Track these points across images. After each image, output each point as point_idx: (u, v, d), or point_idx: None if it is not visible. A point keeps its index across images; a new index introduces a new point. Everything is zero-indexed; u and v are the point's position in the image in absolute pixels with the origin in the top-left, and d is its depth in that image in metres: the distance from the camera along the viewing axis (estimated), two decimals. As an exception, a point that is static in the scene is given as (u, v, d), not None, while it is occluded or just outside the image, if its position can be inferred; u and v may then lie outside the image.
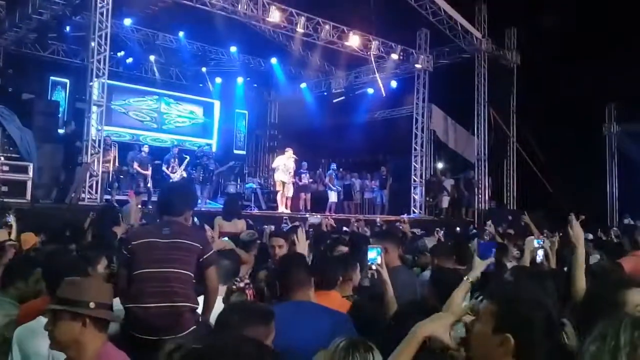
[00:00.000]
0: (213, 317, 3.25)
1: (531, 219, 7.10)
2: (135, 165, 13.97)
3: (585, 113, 18.31)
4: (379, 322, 3.01)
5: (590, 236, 9.70)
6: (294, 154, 14.90)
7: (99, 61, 12.12)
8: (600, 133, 21.41)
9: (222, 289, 3.68)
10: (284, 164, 14.72)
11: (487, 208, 17.81)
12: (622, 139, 21.24)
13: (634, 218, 15.89)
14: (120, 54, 16.55)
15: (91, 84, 12.05)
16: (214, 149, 19.49)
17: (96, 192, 11.91)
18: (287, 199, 14.85)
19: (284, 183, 14.75)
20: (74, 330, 2.25)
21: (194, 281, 3.46)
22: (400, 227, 11.26)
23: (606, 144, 21.57)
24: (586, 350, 1.56)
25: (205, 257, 3.47)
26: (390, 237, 4.42)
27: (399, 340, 2.36)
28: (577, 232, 3.14)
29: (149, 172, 14.05)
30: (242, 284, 3.71)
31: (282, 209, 14.53)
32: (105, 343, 2.35)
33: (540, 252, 4.17)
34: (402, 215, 15.16)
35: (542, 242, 4.28)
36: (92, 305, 2.29)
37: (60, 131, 14.01)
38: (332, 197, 16.53)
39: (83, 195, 11.64)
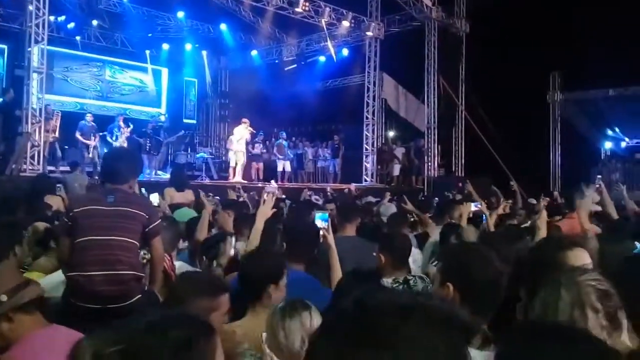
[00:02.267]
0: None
1: (478, 185, 7.33)
2: (77, 134, 13.51)
3: (531, 81, 18.80)
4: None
5: (534, 201, 10.08)
6: (250, 125, 14.78)
7: (37, 26, 11.61)
8: (545, 101, 22.05)
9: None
10: (242, 135, 14.58)
11: (436, 175, 18.16)
12: (566, 107, 21.94)
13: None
14: (61, 18, 15.80)
15: (30, 49, 11.55)
16: (162, 118, 19.01)
17: (38, 163, 11.51)
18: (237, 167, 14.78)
19: (243, 153, 14.68)
20: (1, 331, 2.03)
21: (139, 250, 3.40)
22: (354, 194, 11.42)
23: (550, 111, 22.25)
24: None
25: (151, 226, 3.38)
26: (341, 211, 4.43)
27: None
28: (543, 217, 3.23)
29: (92, 142, 13.60)
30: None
31: (238, 178, 14.40)
32: (37, 326, 2.07)
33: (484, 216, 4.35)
34: (350, 184, 15.26)
35: (479, 205, 4.47)
36: (3, 298, 2.01)
37: (-2, 99, 13.37)
38: (281, 166, 16.44)
39: (24, 166, 11.24)
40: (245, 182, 14.19)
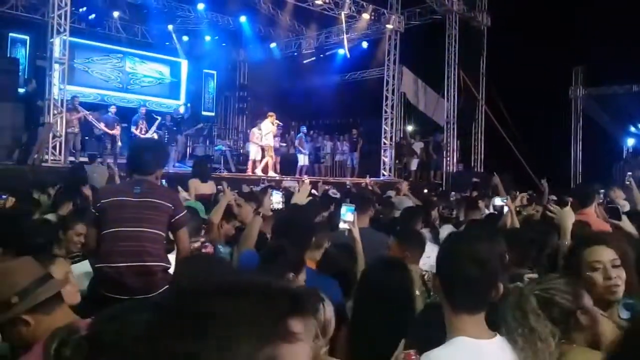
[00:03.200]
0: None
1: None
2: (102, 125, 13.68)
3: (553, 76, 18.54)
4: (348, 272, 3.06)
5: (555, 197, 9.96)
6: (276, 119, 14.82)
7: (59, 17, 11.72)
8: (567, 96, 21.75)
9: None
10: (269, 129, 14.64)
11: (455, 171, 18.02)
12: (588, 103, 21.62)
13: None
14: (83, 9, 15.92)
15: (52, 40, 11.66)
16: (181, 110, 19.13)
17: (60, 153, 11.63)
18: (268, 162, 14.90)
19: (270, 147, 14.74)
20: (21, 334, 1.88)
21: (165, 242, 3.42)
22: (370, 188, 11.38)
23: (572, 107, 21.95)
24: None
25: (177, 217, 3.39)
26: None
27: (369, 294, 2.44)
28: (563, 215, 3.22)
29: (117, 133, 13.74)
30: (197, 244, 3.65)
31: (271, 173, 14.49)
32: (60, 324, 1.86)
33: (505, 209, 4.32)
34: (366, 178, 15.21)
35: (505, 201, 4.44)
36: (14, 300, 1.85)
37: (21, 90, 13.51)
38: (302, 160, 16.44)
39: (46, 156, 11.37)
40: (277, 176, 14.22)
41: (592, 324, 1.83)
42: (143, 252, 3.23)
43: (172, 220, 3.38)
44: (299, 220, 3.21)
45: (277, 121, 14.69)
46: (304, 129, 17.35)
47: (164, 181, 7.81)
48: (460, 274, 1.70)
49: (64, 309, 1.99)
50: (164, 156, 3.88)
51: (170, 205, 3.39)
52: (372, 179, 15.29)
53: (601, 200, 6.95)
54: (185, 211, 3.57)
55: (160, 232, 3.33)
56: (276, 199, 3.90)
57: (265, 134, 14.47)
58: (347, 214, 3.41)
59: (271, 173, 14.45)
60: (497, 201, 4.48)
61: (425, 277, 3.36)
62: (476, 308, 1.71)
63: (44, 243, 2.76)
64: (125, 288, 3.13)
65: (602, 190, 7.34)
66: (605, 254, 2.24)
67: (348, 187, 11.67)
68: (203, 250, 3.57)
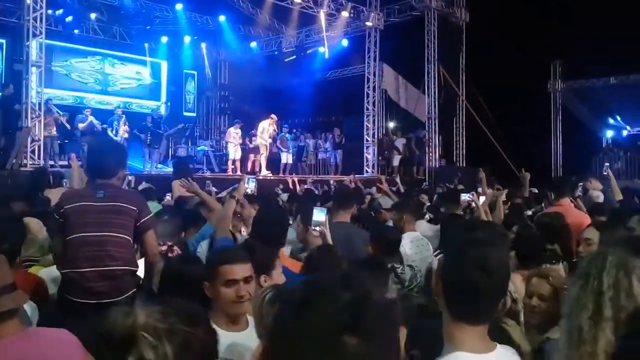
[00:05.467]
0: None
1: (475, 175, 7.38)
2: (81, 126, 13.65)
3: (532, 70, 18.74)
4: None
5: (535, 190, 10.08)
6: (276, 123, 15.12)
7: (35, 19, 11.60)
8: (546, 90, 21.99)
9: None
10: (266, 129, 14.80)
11: (437, 166, 18.13)
12: (567, 96, 21.88)
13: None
14: (59, 12, 15.74)
15: (28, 43, 11.51)
16: (162, 111, 19.01)
17: (39, 158, 11.51)
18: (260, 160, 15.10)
19: (265, 147, 14.96)
20: None
21: (133, 245, 3.38)
22: (353, 185, 11.40)
23: (551, 100, 22.20)
24: (569, 291, 1.59)
25: (142, 220, 3.35)
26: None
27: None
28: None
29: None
30: (164, 247, 3.60)
31: (265, 172, 14.66)
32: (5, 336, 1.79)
33: (472, 204, 4.41)
34: (351, 175, 15.25)
35: (471, 196, 4.53)
36: None
37: (-3, 94, 13.34)
38: (285, 158, 16.45)
39: (25, 160, 11.23)
40: (260, 175, 14.25)
41: None
42: (106, 257, 3.19)
43: (137, 224, 3.33)
44: (272, 219, 3.24)
45: (275, 126, 15.02)
46: (286, 127, 17.35)
47: (132, 180, 7.78)
48: (465, 281, 1.53)
49: (14, 323, 1.84)
50: (123, 156, 3.81)
51: (135, 209, 3.33)
52: (356, 176, 15.33)
53: (580, 194, 7.09)
54: (152, 214, 3.52)
55: (125, 236, 3.28)
56: (250, 186, 4.19)
57: (260, 132, 14.64)
58: (320, 215, 3.43)
59: (264, 172, 14.58)
60: (463, 197, 4.58)
61: (399, 270, 3.40)
62: (479, 319, 1.56)
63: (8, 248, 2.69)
64: (91, 292, 3.11)
65: (581, 184, 7.46)
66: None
67: (333, 185, 11.69)
68: (169, 255, 3.52)
